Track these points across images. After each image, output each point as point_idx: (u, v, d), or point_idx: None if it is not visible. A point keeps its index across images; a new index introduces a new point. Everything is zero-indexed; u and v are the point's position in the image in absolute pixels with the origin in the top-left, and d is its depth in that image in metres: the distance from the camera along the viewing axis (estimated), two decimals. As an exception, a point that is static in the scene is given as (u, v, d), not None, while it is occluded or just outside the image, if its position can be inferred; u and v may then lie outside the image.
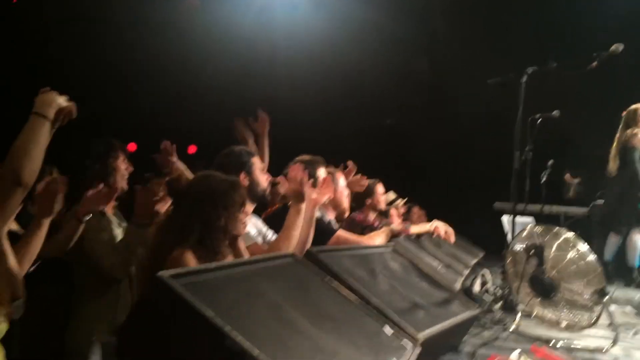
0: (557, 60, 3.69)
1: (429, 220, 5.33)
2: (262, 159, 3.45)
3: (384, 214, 4.58)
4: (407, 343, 1.87)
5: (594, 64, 3.60)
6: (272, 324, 1.43)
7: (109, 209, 3.08)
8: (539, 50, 5.86)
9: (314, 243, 2.75)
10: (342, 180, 3.59)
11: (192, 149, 8.07)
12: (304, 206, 2.65)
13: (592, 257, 2.86)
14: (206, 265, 1.46)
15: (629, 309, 3.91)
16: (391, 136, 7.84)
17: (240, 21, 7.38)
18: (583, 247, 2.87)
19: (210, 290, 1.35)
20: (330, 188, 2.93)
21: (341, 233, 3.20)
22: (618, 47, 3.58)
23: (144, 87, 7.14)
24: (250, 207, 2.87)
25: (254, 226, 2.86)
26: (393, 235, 3.57)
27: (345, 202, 3.62)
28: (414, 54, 7.63)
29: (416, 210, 5.79)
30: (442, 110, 7.46)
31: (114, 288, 2.94)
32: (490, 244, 5.67)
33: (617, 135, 5.47)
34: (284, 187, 2.78)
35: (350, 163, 4.40)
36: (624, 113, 5.48)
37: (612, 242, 5.40)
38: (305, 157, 3.30)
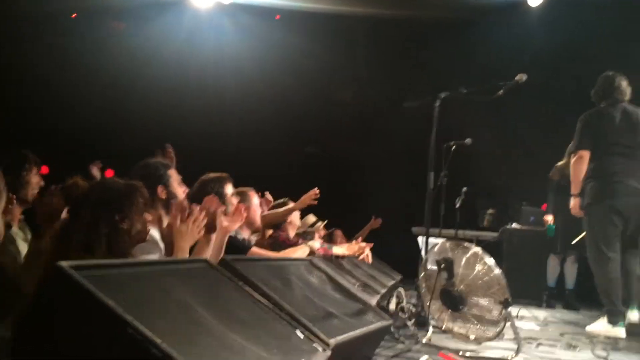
0: (467, 88, 3.91)
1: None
2: None
3: (307, 235, 4.63)
4: (318, 347, 1.90)
5: (500, 92, 3.85)
6: (179, 320, 1.41)
7: (15, 223, 2.94)
8: (452, 78, 6.19)
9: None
10: (255, 199, 3.60)
11: (109, 173, 7.80)
12: (214, 237, 2.62)
13: (497, 271, 3.01)
14: (111, 260, 1.43)
15: (534, 324, 4.13)
16: (313, 161, 7.96)
17: (168, 44, 7.33)
18: (490, 261, 3.02)
19: (114, 284, 1.33)
20: (242, 215, 2.89)
21: (255, 249, 3.20)
22: (522, 76, 3.84)
23: (68, 110, 6.92)
24: (166, 219, 2.83)
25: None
26: (313, 253, 3.62)
27: (259, 221, 3.61)
28: (339, 80, 7.86)
29: (339, 233, 5.88)
30: (364, 136, 7.68)
31: (19, 305, 2.78)
32: (409, 267, 5.82)
33: None
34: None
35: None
36: None
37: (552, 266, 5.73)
38: (212, 174, 3.26)
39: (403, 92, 6.47)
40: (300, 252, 3.44)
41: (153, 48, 7.28)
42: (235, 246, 3.07)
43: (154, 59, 7.27)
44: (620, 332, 3.81)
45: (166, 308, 1.43)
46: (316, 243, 3.69)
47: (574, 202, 4.20)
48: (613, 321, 3.85)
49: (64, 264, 1.20)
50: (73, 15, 7.16)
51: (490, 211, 7.11)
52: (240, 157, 7.06)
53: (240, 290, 1.96)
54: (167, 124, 7.17)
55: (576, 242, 5.48)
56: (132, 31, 7.45)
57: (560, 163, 5.72)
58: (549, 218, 5.63)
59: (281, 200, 4.57)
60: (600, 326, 3.91)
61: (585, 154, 4.09)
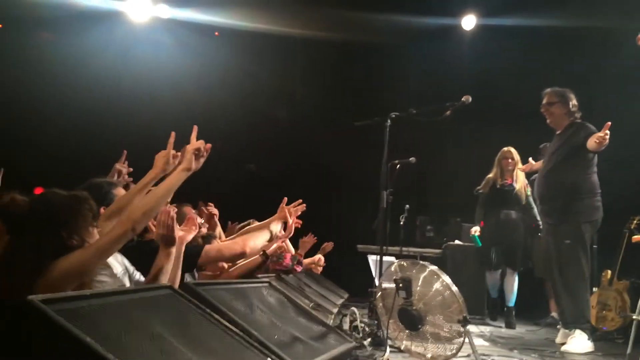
0: (416, 108, 3.97)
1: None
2: None
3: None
4: (291, 375, 1.82)
5: (448, 112, 3.93)
6: (156, 355, 1.30)
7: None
8: (401, 99, 6.32)
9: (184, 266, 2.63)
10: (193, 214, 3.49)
11: (38, 190, 7.35)
12: (174, 250, 2.50)
13: (454, 288, 3.02)
14: (81, 292, 1.30)
15: (482, 341, 4.20)
16: (254, 179, 7.82)
17: (101, 57, 7.04)
18: (447, 279, 3.03)
19: (86, 317, 1.20)
20: (196, 223, 2.80)
21: (208, 247, 3.08)
22: (468, 98, 3.94)
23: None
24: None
25: (121, 265, 2.64)
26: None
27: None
28: (279, 99, 7.82)
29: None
30: (305, 155, 7.67)
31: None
32: (353, 285, 5.81)
33: None
34: (151, 232, 2.61)
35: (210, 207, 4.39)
36: None
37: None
38: (99, 179, 3.07)
39: (345, 113, 6.51)
40: (262, 236, 3.32)
41: (84, 60, 6.98)
42: (187, 252, 2.89)
43: (85, 71, 6.96)
44: (592, 346, 3.91)
45: (141, 341, 1.32)
46: (277, 226, 3.53)
47: None
48: (590, 337, 3.95)
49: (35, 298, 1.07)
50: (-1, 25, 6.77)
51: (429, 227, 7.22)
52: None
53: (208, 317, 1.85)
54: (98, 139, 6.87)
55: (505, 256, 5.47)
56: (63, 43, 7.11)
57: (490, 175, 5.65)
58: (476, 229, 5.61)
59: (246, 222, 4.47)
60: (581, 344, 3.90)
61: None
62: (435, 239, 6.86)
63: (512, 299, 5.54)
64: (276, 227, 3.49)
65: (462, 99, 3.96)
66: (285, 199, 3.70)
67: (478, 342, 4.07)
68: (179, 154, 2.44)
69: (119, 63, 7.21)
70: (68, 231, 1.82)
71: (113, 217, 2.19)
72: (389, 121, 3.80)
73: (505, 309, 5.59)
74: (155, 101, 7.20)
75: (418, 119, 3.94)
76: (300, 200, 3.99)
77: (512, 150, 5.50)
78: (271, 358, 1.86)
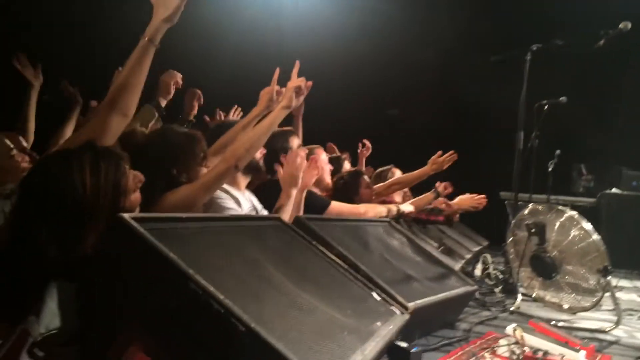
0: (562, 39, 3.57)
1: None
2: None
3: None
4: (396, 310, 1.79)
5: (601, 42, 3.47)
6: (245, 277, 1.35)
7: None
8: (544, 29, 5.73)
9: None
10: (323, 156, 3.52)
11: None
12: (294, 192, 2.57)
13: (596, 236, 2.75)
14: (177, 214, 1.38)
15: (635, 296, 3.81)
16: (395, 125, 7.72)
17: (247, 7, 7.32)
18: (587, 225, 2.77)
19: (178, 238, 1.27)
20: (317, 168, 2.85)
21: (335, 204, 3.13)
22: (627, 25, 3.44)
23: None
24: (243, 180, 2.80)
25: (248, 201, 2.78)
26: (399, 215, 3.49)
27: (328, 178, 3.53)
28: (420, 42, 7.53)
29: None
30: (448, 99, 7.36)
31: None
32: (496, 233, 5.55)
33: None
34: (279, 172, 2.70)
35: (366, 142, 4.55)
36: None
37: None
38: (276, 129, 3.16)
39: (489, 47, 6.08)
40: (383, 209, 3.32)
41: (231, 11, 7.28)
42: (314, 203, 2.98)
43: (232, 21, 7.27)
44: None
45: (233, 264, 1.37)
46: (408, 206, 3.52)
47: None
48: None
49: (126, 215, 1.16)
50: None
51: (586, 176, 6.62)
52: (318, 122, 6.97)
53: (314, 250, 1.88)
54: (240, 87, 7.18)
55: None
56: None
57: None
58: None
59: (386, 167, 4.50)
60: None
61: None
62: (593, 188, 6.29)
63: None
64: (407, 207, 3.48)
65: (620, 26, 3.48)
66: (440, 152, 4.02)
67: (630, 296, 3.71)
68: (284, 90, 2.45)
69: (263, 14, 7.43)
70: (179, 169, 1.94)
71: (219, 153, 2.29)
72: (529, 55, 3.47)
73: None
74: (297, 51, 7.34)
75: (565, 49, 3.55)
76: (452, 152, 4.00)
77: None
78: (377, 292, 1.85)
